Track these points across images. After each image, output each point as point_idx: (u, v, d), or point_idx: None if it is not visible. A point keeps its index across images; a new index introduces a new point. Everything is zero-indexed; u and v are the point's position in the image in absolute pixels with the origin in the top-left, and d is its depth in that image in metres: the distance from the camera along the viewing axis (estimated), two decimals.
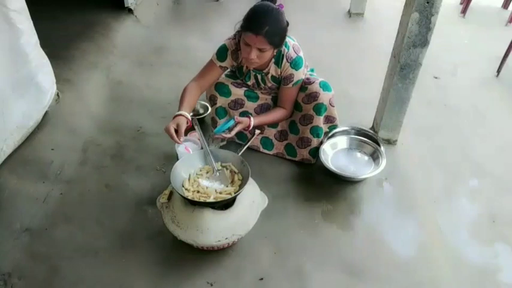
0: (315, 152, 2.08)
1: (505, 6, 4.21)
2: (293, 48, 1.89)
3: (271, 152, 2.18)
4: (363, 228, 1.82)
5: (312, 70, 2.15)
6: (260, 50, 1.72)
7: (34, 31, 2.03)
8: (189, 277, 1.58)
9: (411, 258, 1.70)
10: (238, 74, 2.05)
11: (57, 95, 2.32)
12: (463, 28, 3.81)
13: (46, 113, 2.20)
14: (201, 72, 1.95)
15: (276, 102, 2.09)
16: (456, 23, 3.91)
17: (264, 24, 1.67)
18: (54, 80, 2.26)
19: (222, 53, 1.90)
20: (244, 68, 1.98)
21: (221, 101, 2.02)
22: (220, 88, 1.99)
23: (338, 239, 1.77)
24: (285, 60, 1.87)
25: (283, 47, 1.86)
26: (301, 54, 1.91)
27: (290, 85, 1.93)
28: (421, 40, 1.90)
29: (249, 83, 2.03)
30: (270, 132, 2.14)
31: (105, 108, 2.47)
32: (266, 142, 2.16)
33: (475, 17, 4.01)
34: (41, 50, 2.11)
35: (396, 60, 2.01)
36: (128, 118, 2.39)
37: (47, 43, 2.16)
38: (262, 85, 2.01)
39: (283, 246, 1.72)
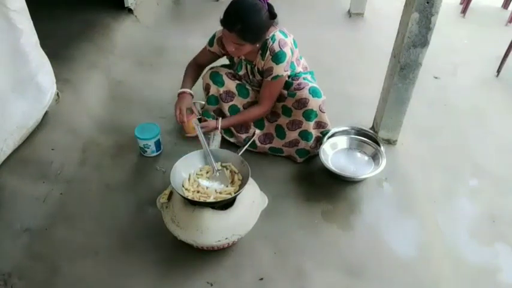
0: (303, 153, 2.08)
1: (505, 6, 4.21)
2: (279, 42, 1.86)
3: (256, 150, 2.15)
4: (363, 228, 1.82)
5: (311, 73, 2.13)
6: (237, 43, 1.75)
7: (34, 31, 2.03)
8: (189, 277, 1.58)
9: (411, 258, 1.70)
10: (231, 64, 2.07)
11: (57, 95, 2.31)
12: (463, 28, 3.81)
13: (46, 113, 2.20)
14: (198, 53, 2.10)
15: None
16: (456, 23, 3.91)
17: (237, 22, 1.69)
18: (54, 80, 2.26)
19: (211, 39, 2.00)
20: (236, 57, 1.99)
21: (213, 90, 2.02)
22: (214, 77, 1.99)
23: (338, 239, 1.77)
24: (268, 52, 1.86)
25: (270, 40, 1.86)
26: (285, 49, 1.86)
27: (269, 78, 1.91)
28: (421, 40, 1.90)
29: (241, 73, 2.03)
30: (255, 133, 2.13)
31: (105, 108, 2.47)
32: (250, 143, 2.12)
33: (475, 17, 4.01)
34: (41, 50, 2.11)
35: (396, 60, 2.01)
36: (128, 118, 2.39)
37: (47, 43, 2.16)
38: (251, 77, 2.02)
39: (283, 246, 1.72)
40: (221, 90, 2.01)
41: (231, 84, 2.01)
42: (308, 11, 3.96)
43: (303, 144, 2.06)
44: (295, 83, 1.98)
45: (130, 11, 3.47)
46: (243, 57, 1.96)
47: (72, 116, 2.30)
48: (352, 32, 3.64)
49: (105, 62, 2.84)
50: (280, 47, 1.85)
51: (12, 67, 1.90)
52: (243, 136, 2.12)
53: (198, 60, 2.08)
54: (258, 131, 2.11)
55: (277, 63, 1.86)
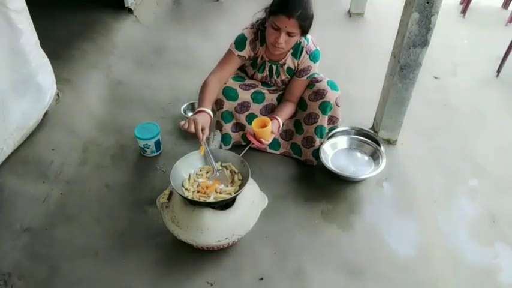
0: (318, 153, 2.08)
1: (505, 6, 4.21)
2: (312, 41, 1.95)
3: (278, 152, 2.18)
4: (363, 228, 1.82)
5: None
6: (289, 34, 1.75)
7: (34, 31, 2.03)
8: (189, 277, 1.58)
9: (411, 258, 1.70)
10: (251, 66, 2.04)
11: (57, 95, 2.32)
12: (463, 28, 3.81)
13: (46, 113, 2.20)
14: (220, 63, 1.94)
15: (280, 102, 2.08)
16: (456, 23, 3.91)
17: (298, 7, 1.70)
18: (54, 80, 2.26)
19: (240, 43, 1.91)
20: (259, 59, 1.99)
21: (227, 105, 2.00)
22: (228, 92, 1.96)
23: (338, 239, 1.77)
24: (304, 52, 1.92)
25: (303, 39, 1.92)
26: (319, 48, 1.96)
27: (304, 77, 1.96)
28: (421, 40, 1.90)
29: (262, 74, 2.02)
30: None
31: (105, 108, 2.47)
32: (273, 142, 2.13)
33: (475, 17, 4.01)
34: (41, 50, 2.11)
35: (396, 60, 2.02)
36: (127, 118, 2.39)
37: (47, 43, 2.16)
38: (275, 77, 2.02)
39: (283, 246, 1.72)
40: (235, 103, 2.00)
41: (245, 95, 2.00)
42: None
43: (317, 142, 2.06)
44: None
45: (130, 11, 3.47)
46: (267, 59, 1.97)
47: (72, 116, 2.30)
48: (352, 32, 3.64)
49: (105, 62, 2.84)
50: (314, 46, 1.94)
51: (12, 67, 1.90)
52: None
53: (221, 74, 1.90)
54: None
55: (314, 62, 1.94)
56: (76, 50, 2.82)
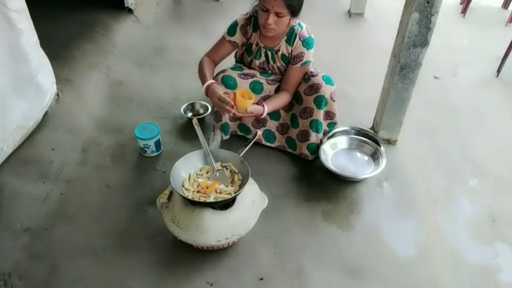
0: (314, 149, 2.08)
1: (505, 6, 4.21)
2: (306, 29, 1.97)
3: (273, 145, 2.19)
4: (363, 228, 1.82)
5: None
6: (278, 15, 1.77)
7: (34, 31, 2.03)
8: (189, 277, 1.58)
9: (411, 258, 1.70)
10: (247, 53, 2.06)
11: (57, 95, 2.32)
12: (463, 28, 3.81)
13: (46, 113, 2.20)
14: (213, 47, 2.05)
15: None
16: (456, 23, 3.91)
17: None
18: (54, 80, 2.26)
19: (232, 28, 1.99)
20: (254, 45, 2.01)
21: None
22: (227, 81, 1.97)
23: (338, 239, 1.77)
24: (297, 38, 1.94)
25: (297, 26, 1.94)
26: (313, 36, 1.97)
27: (298, 64, 1.97)
28: (421, 40, 1.90)
29: (259, 61, 2.04)
30: (272, 125, 2.16)
31: (105, 108, 2.47)
32: (268, 135, 2.17)
33: (475, 17, 4.01)
34: (41, 49, 2.11)
35: (396, 60, 2.01)
36: (127, 118, 2.39)
37: (47, 43, 2.16)
38: (272, 63, 2.04)
39: (283, 246, 1.72)
40: (234, 92, 2.00)
41: (244, 84, 2.01)
42: (308, 11, 3.92)
43: (313, 137, 2.06)
44: (308, 71, 2.05)
45: (130, 11, 3.48)
46: (262, 45, 1.99)
47: (72, 116, 2.30)
48: (352, 32, 3.64)
49: (105, 62, 2.84)
50: (308, 33, 1.96)
51: (12, 67, 1.90)
52: (260, 132, 2.16)
53: (212, 56, 2.03)
54: (259, 132, 2.12)
55: (308, 49, 1.95)
56: (76, 50, 2.82)
